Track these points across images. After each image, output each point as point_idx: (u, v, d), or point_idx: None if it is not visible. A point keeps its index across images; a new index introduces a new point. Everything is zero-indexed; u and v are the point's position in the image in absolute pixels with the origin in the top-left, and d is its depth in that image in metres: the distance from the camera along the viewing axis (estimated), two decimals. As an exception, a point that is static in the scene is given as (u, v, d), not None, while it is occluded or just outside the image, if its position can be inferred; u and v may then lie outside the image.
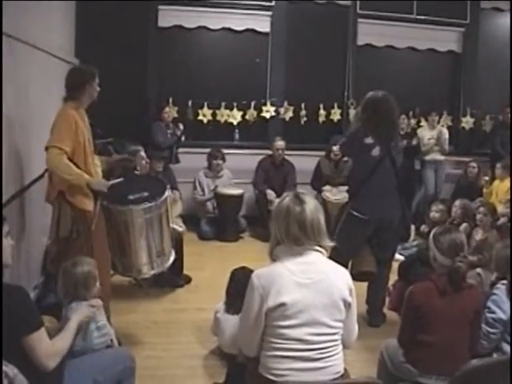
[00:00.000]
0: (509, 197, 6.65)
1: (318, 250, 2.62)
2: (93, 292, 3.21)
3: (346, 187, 5.85)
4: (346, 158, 7.24)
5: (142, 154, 5.98)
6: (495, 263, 3.82)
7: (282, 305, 2.48)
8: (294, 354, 2.51)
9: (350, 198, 4.94)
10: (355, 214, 4.68)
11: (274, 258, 2.66)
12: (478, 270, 4.85)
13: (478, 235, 5.47)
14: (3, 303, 2.34)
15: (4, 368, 2.21)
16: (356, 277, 4.34)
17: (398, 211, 4.80)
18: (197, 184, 7.81)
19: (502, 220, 5.86)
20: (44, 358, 2.50)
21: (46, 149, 3.85)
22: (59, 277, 3.23)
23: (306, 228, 2.57)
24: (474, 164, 8.03)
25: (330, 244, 2.68)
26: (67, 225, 4.00)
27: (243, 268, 4.24)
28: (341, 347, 2.64)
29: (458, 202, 5.96)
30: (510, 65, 8.43)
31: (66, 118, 3.91)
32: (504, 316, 3.33)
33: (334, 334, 2.58)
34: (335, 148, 7.70)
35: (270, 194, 7.68)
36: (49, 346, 2.55)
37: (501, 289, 3.44)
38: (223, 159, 7.79)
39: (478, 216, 5.57)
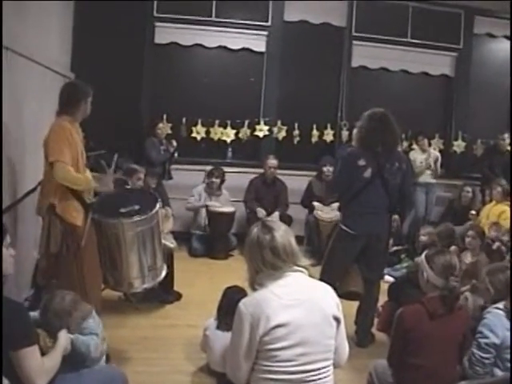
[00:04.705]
0: (498, 220, 6.66)
1: (297, 270, 2.62)
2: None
3: (337, 204, 5.85)
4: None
5: (141, 175, 5.99)
6: (490, 286, 3.65)
7: (273, 329, 2.45)
8: (286, 376, 2.48)
9: (341, 214, 4.97)
10: (344, 228, 4.73)
11: (256, 286, 2.65)
12: (466, 293, 4.85)
13: (468, 258, 5.48)
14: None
15: None
16: (343, 296, 4.34)
17: (385, 230, 4.84)
18: (195, 192, 7.78)
19: (497, 244, 5.80)
20: (33, 377, 2.46)
21: (51, 164, 3.85)
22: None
23: (279, 254, 2.58)
24: (468, 188, 8.08)
25: (307, 262, 2.70)
26: (57, 240, 3.96)
27: (236, 286, 4.25)
28: (332, 369, 2.62)
29: (441, 227, 6.01)
30: (510, 90, 8.51)
31: (62, 131, 3.91)
32: (497, 340, 3.25)
33: (327, 352, 2.56)
34: (325, 169, 7.75)
35: (260, 211, 7.73)
36: (40, 365, 2.53)
37: (492, 313, 3.37)
38: (222, 179, 7.79)
39: (467, 239, 5.58)
